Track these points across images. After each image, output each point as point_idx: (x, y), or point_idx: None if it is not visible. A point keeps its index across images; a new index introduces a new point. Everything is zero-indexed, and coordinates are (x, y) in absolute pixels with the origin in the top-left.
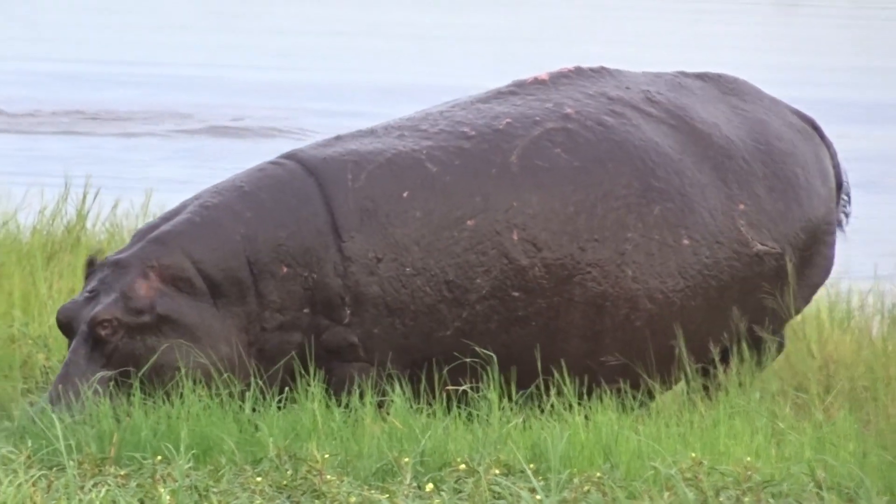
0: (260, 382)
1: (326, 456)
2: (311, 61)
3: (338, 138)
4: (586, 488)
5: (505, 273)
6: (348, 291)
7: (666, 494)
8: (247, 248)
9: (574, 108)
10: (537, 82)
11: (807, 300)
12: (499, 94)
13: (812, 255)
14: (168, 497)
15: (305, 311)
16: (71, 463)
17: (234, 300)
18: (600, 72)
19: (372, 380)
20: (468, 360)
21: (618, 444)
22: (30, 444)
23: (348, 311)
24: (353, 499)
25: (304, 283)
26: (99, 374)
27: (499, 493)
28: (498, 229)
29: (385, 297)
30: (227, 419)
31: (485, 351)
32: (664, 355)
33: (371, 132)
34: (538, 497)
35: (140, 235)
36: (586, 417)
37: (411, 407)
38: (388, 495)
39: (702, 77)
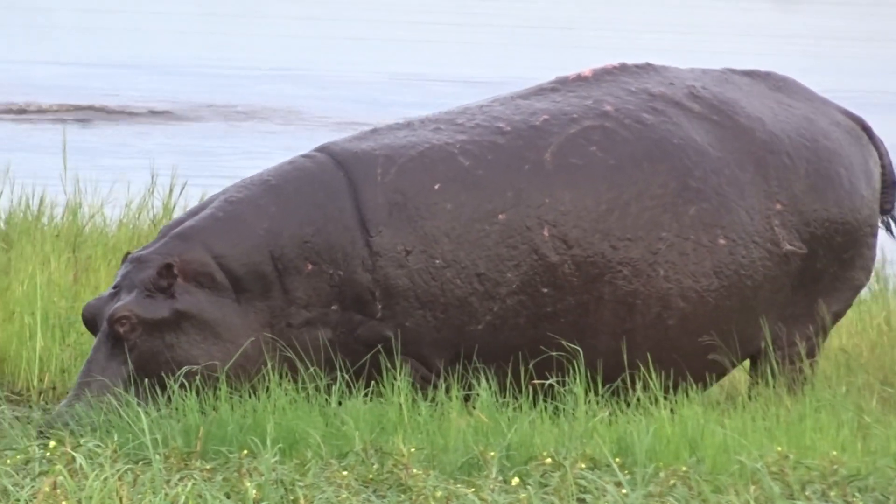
0: (338, 378)
1: (412, 450)
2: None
3: (373, 131)
4: (672, 482)
5: (535, 269)
6: (378, 286)
7: (752, 488)
8: (270, 243)
9: (614, 105)
10: (580, 79)
11: (848, 302)
12: (540, 91)
13: (853, 256)
14: (254, 491)
15: (334, 307)
16: (157, 457)
17: (257, 295)
18: (645, 68)
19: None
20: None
21: (703, 437)
22: (116, 437)
23: (380, 306)
24: (438, 493)
25: (330, 281)
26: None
27: (585, 487)
28: (529, 225)
29: (415, 289)
30: (314, 413)
31: (571, 345)
32: (697, 355)
33: (408, 125)
34: (624, 491)
35: (164, 231)
36: (672, 411)
37: (497, 401)
38: (473, 489)
39: (750, 74)
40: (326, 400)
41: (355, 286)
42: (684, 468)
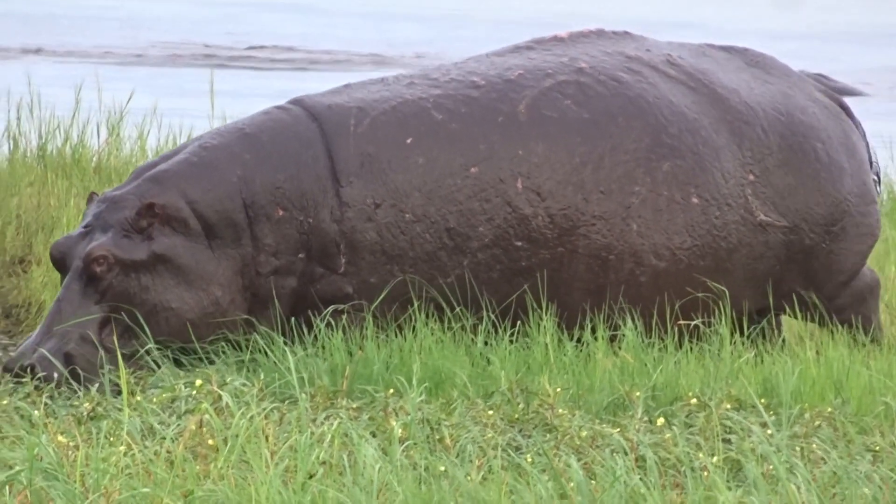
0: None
1: (558, 390)
2: None
3: (347, 86)
4: (817, 423)
5: (508, 222)
6: (343, 238)
7: None
8: (243, 189)
9: (589, 63)
10: (556, 39)
11: (855, 267)
12: (516, 49)
13: (844, 227)
14: (400, 430)
15: (301, 255)
16: (303, 396)
17: (229, 242)
18: (622, 35)
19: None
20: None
21: (849, 379)
22: (262, 376)
23: (343, 260)
24: (584, 432)
25: (299, 228)
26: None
27: (730, 428)
28: (502, 177)
29: (383, 243)
30: (459, 353)
31: (717, 286)
32: (669, 312)
33: (381, 81)
34: (769, 432)
35: (137, 173)
36: (817, 352)
37: (642, 342)
38: (619, 429)
39: (727, 49)
40: (472, 340)
41: (322, 236)
42: (829, 409)
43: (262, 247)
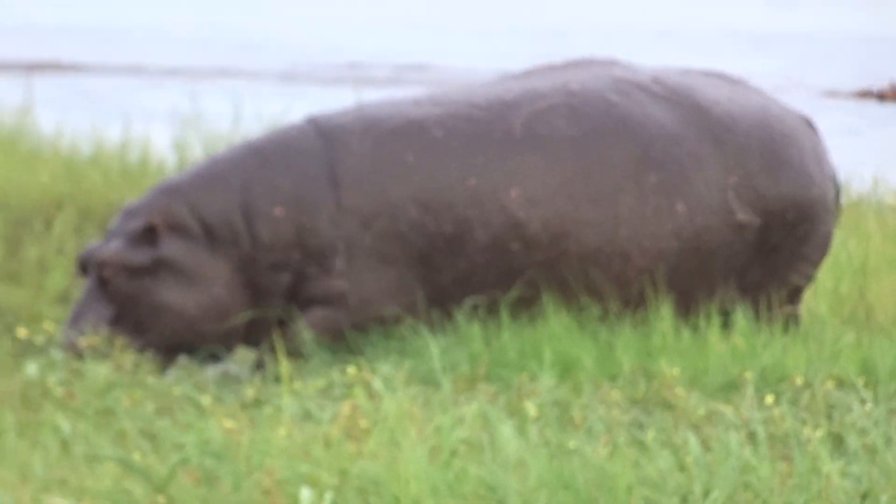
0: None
1: (676, 372)
2: None
3: (358, 107)
4: None
5: (503, 227)
6: (340, 241)
7: None
8: (244, 193)
9: (580, 86)
10: (550, 67)
11: (808, 275)
12: (513, 76)
13: (808, 232)
14: (533, 411)
15: (295, 254)
16: (445, 381)
17: (229, 245)
18: (610, 61)
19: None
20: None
21: None
22: (407, 364)
23: (338, 261)
24: (700, 411)
25: (297, 227)
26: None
27: (832, 405)
28: (497, 186)
29: (377, 249)
30: (586, 339)
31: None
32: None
33: (389, 102)
34: (868, 407)
35: (156, 186)
36: None
37: (752, 327)
38: (732, 407)
39: (706, 73)
40: (597, 328)
41: (319, 238)
42: None
43: (260, 243)
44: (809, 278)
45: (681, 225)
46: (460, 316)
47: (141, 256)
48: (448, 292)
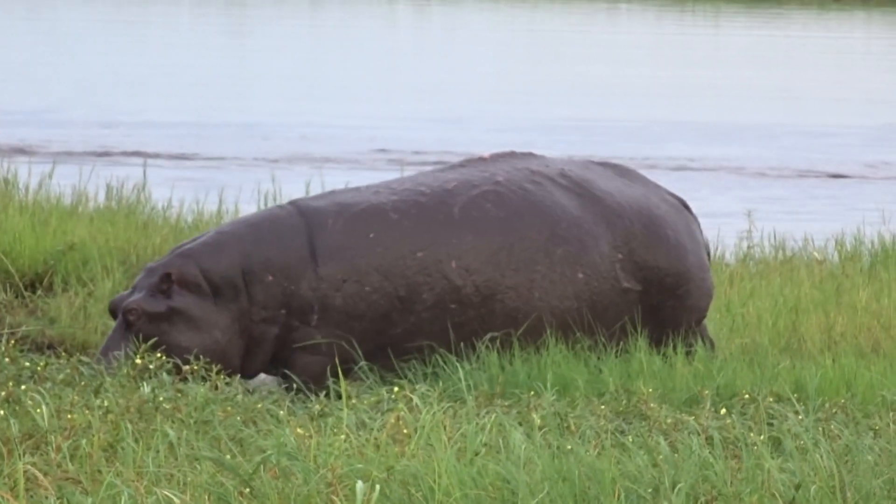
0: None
1: (650, 390)
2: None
3: (331, 192)
4: (834, 411)
5: (444, 290)
6: (318, 302)
7: (892, 414)
8: (244, 261)
9: (505, 176)
10: (481, 160)
11: (699, 317)
12: (452, 167)
13: (688, 290)
14: (538, 420)
15: (282, 311)
16: (470, 397)
17: (230, 299)
18: (529, 154)
19: (332, 370)
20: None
21: (857, 378)
22: (440, 384)
23: (316, 317)
24: (669, 420)
25: (283, 291)
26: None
27: (772, 415)
28: (440, 258)
29: (346, 307)
30: (580, 365)
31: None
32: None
33: (356, 189)
34: (800, 417)
35: (172, 250)
36: (833, 360)
37: (707, 356)
38: (694, 417)
39: (603, 164)
40: (588, 356)
41: (301, 299)
42: (843, 400)
43: (255, 302)
44: (702, 317)
45: (580, 289)
46: (482, 347)
47: (158, 305)
48: (400, 341)
